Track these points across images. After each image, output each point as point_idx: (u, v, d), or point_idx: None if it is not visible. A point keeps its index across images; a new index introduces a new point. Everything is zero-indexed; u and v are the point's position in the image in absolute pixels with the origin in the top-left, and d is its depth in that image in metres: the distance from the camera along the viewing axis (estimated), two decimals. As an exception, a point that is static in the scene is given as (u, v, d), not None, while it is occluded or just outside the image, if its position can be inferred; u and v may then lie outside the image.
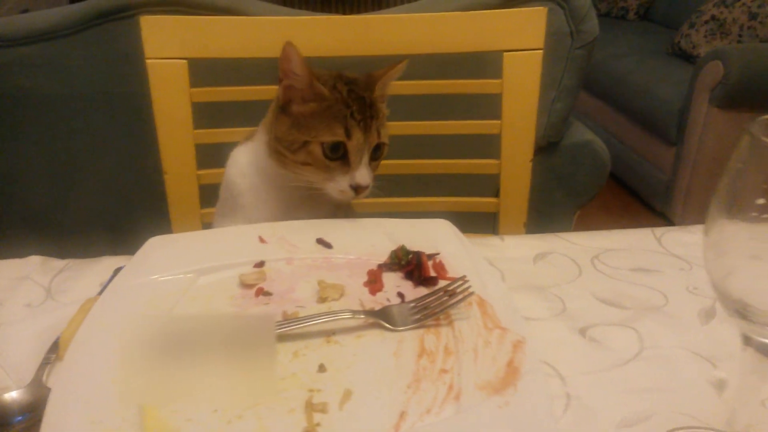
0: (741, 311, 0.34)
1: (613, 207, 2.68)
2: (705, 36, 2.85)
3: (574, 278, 0.62)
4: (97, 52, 1.40)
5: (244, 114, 1.02)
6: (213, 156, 0.98)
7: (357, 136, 0.66)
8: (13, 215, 1.57)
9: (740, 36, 2.73)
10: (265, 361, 0.48)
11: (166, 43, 0.90)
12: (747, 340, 0.36)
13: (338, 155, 0.67)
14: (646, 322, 0.55)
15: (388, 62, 0.73)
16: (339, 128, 0.66)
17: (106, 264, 0.65)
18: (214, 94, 0.94)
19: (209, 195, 0.99)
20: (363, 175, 0.67)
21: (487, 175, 0.99)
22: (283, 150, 0.68)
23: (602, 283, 0.61)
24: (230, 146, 0.92)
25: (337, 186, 0.67)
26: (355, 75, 0.72)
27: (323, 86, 0.67)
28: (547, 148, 1.62)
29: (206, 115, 0.96)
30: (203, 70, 0.95)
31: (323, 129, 0.66)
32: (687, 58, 2.88)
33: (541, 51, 0.95)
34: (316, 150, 0.66)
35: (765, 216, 0.31)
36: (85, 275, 0.63)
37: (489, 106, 0.98)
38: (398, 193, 1.04)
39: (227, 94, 0.95)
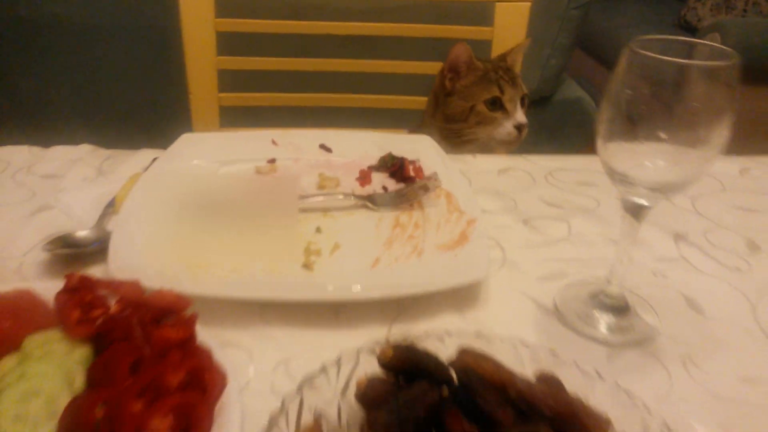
0: (622, 180, 0.48)
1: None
2: (711, 10, 2.92)
3: (528, 187, 0.76)
4: (126, -16, 1.51)
5: (270, 46, 1.13)
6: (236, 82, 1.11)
7: (508, 89, 0.91)
8: (40, 136, 1.71)
9: (745, 11, 2.80)
10: (288, 214, 0.63)
11: (197, -24, 1.02)
12: (625, 205, 0.50)
13: (497, 108, 0.91)
14: (578, 218, 0.69)
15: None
16: (494, 87, 0.91)
17: (144, 154, 0.78)
18: (237, 24, 1.06)
19: (229, 116, 1.12)
20: (521, 115, 0.92)
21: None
22: (455, 125, 0.93)
23: (550, 191, 0.75)
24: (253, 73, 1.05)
25: (504, 130, 0.92)
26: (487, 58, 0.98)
27: (477, 60, 0.93)
28: (539, 102, 1.74)
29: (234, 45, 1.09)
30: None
31: (483, 91, 0.91)
32: (692, 30, 2.95)
33: (529, 3, 1.06)
34: (482, 108, 0.91)
35: (635, 112, 0.44)
36: (128, 161, 0.77)
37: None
38: (393, 126, 1.18)
39: (249, 26, 1.07)
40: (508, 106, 0.92)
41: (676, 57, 0.44)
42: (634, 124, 0.45)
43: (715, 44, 0.45)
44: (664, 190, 0.47)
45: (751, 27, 2.40)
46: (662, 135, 0.45)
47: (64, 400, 0.35)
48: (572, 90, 1.79)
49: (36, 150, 0.78)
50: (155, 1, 1.43)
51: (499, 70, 0.94)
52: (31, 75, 1.58)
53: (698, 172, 0.46)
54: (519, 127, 0.92)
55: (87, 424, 0.34)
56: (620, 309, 0.54)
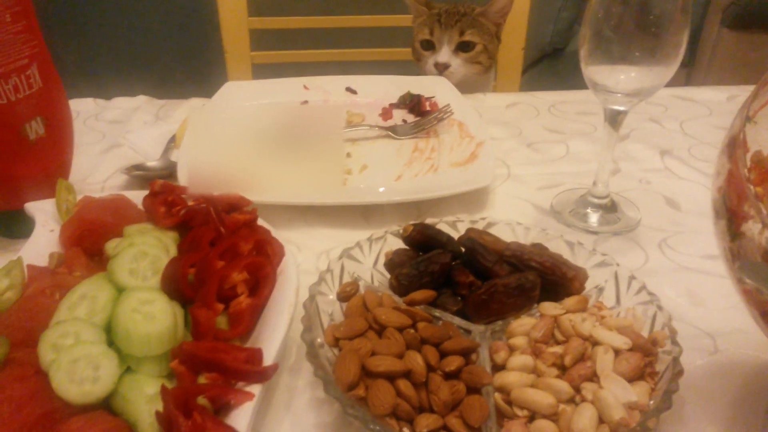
0: (603, 90, 0.57)
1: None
2: (727, -41, 2.90)
3: (533, 117, 0.85)
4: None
5: (296, 6, 1.22)
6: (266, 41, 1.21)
7: (437, 31, 1.02)
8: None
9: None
10: (334, 137, 0.73)
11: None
12: (606, 114, 0.59)
13: (429, 47, 1.03)
14: (576, 141, 0.79)
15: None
16: (426, 29, 1.03)
17: (194, 102, 0.89)
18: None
19: (261, 72, 1.22)
20: (442, 55, 1.01)
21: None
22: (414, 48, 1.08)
23: (552, 120, 0.84)
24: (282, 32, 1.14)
25: (428, 67, 1.03)
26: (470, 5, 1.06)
27: (425, 7, 1.06)
28: (552, 54, 1.80)
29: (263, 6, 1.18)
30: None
31: (419, 32, 1.04)
32: (709, -20, 2.94)
33: (535, -44, 1.14)
34: (417, 45, 1.05)
35: (608, 30, 0.53)
36: (180, 107, 0.88)
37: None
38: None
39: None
40: (436, 46, 1.02)
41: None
42: (608, 42, 0.54)
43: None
44: (637, 94, 0.56)
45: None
46: (631, 50, 0.54)
47: (164, 261, 0.46)
48: (585, 41, 1.84)
49: (100, 101, 0.90)
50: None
51: (444, 15, 1.02)
52: (75, 46, 1.70)
53: (663, 79, 0.55)
54: (438, 66, 1.01)
55: (183, 277, 0.45)
56: (607, 207, 0.64)
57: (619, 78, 0.56)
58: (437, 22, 1.02)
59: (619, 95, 0.56)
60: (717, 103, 0.88)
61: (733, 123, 0.32)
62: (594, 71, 0.57)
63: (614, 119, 0.59)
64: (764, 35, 2.51)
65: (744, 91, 0.91)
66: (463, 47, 1.02)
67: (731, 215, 0.30)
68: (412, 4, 1.08)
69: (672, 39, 0.53)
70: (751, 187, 0.28)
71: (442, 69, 1.01)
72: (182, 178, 0.65)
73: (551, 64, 1.79)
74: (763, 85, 0.32)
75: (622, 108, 0.58)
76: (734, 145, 0.30)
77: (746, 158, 0.30)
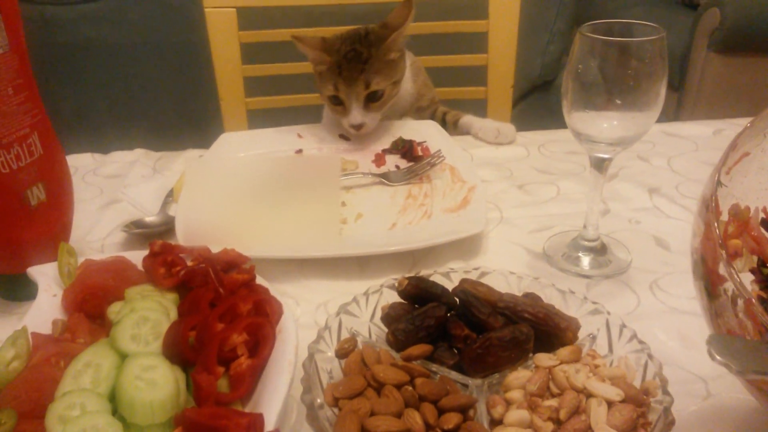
0: (587, 139, 0.59)
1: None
2: (711, -16, 2.97)
3: (523, 158, 0.87)
4: (153, 5, 1.65)
5: (288, 52, 1.25)
6: (260, 87, 1.23)
7: (343, 88, 0.87)
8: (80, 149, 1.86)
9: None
10: (330, 187, 0.74)
11: (220, -5, 1.14)
12: (591, 161, 0.61)
13: (339, 104, 0.89)
14: (565, 181, 0.80)
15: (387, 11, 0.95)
16: (330, 85, 0.88)
17: (190, 153, 0.91)
18: (259, 35, 1.19)
19: (256, 118, 1.24)
20: (354, 117, 0.87)
21: (476, 100, 1.23)
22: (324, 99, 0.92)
23: (542, 161, 0.86)
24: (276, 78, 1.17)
25: (345, 125, 0.90)
26: (371, 28, 0.91)
27: (325, 53, 0.88)
28: (542, 86, 1.84)
29: (257, 53, 1.21)
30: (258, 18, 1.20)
31: (323, 86, 0.89)
32: (693, 6, 3.01)
33: (521, -6, 1.17)
34: (325, 100, 0.91)
35: (589, 83, 0.55)
36: (177, 159, 0.90)
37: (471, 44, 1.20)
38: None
39: (269, 36, 1.19)
40: (345, 105, 0.88)
41: (618, 37, 0.55)
42: (589, 93, 0.56)
43: (647, 23, 0.55)
44: (620, 143, 0.58)
45: (750, 1, 2.47)
46: (612, 100, 0.56)
47: (165, 326, 0.47)
48: (573, 72, 1.88)
49: (97, 156, 0.92)
50: (183, 20, 1.57)
51: (346, 66, 0.87)
52: (71, 96, 1.72)
53: (645, 126, 0.57)
54: (354, 128, 0.88)
55: (183, 340, 0.46)
56: (598, 250, 0.65)
57: (602, 127, 0.58)
58: (339, 77, 0.87)
59: (602, 144, 0.58)
60: (703, 138, 0.90)
61: (705, 185, 0.34)
62: (577, 121, 0.59)
63: (600, 166, 0.61)
64: (750, 58, 2.56)
65: (729, 125, 0.93)
66: (371, 97, 0.88)
67: (708, 275, 0.31)
68: (312, 53, 0.90)
69: (652, 88, 0.55)
70: (723, 253, 0.29)
71: (358, 129, 0.88)
72: (180, 234, 0.66)
73: (541, 96, 1.82)
74: (731, 148, 0.33)
75: (606, 156, 0.59)
76: (707, 210, 0.31)
77: (717, 223, 0.31)
